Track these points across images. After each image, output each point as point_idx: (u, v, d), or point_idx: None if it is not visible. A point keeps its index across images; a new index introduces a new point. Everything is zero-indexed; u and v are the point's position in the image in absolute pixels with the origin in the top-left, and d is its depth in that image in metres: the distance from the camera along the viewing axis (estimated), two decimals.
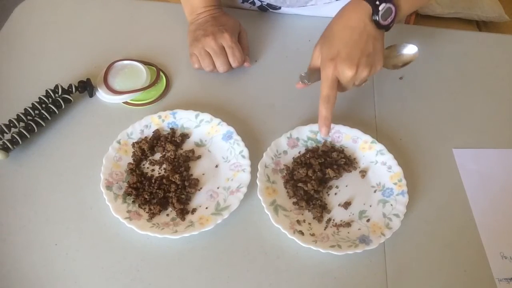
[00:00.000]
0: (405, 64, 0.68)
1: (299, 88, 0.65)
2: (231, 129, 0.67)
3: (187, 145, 0.68)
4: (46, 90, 0.69)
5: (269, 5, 0.87)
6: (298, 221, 0.59)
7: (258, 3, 0.87)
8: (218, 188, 0.63)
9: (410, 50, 0.67)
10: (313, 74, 0.63)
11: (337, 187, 0.64)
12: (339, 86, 0.61)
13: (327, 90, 0.59)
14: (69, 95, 0.70)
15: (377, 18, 0.59)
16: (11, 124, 0.66)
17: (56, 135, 0.68)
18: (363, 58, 0.58)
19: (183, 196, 0.61)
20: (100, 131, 0.69)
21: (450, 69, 0.80)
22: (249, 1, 0.87)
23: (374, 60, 0.60)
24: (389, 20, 0.60)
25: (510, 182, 0.66)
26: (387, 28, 0.61)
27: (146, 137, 0.67)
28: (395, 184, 0.62)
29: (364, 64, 0.58)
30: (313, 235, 0.58)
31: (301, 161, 0.65)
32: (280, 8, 0.87)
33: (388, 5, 0.59)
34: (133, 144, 0.66)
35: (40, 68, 0.77)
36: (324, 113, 0.60)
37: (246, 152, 0.64)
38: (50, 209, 0.60)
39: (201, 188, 0.63)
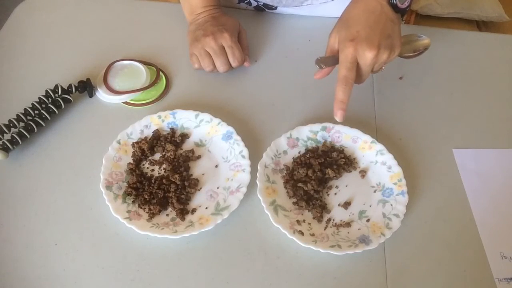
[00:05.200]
0: (418, 52, 0.67)
1: (317, 78, 0.63)
2: (231, 129, 0.67)
3: (187, 145, 0.68)
4: (46, 90, 0.69)
5: (265, 5, 0.87)
6: (298, 221, 0.59)
7: (254, 3, 0.87)
8: (218, 188, 0.63)
9: (423, 39, 0.67)
10: (329, 59, 0.61)
11: (337, 187, 0.64)
12: (356, 74, 0.59)
13: (345, 71, 0.57)
14: (69, 95, 0.70)
15: (394, 1, 0.59)
16: (11, 124, 0.66)
17: (56, 135, 0.68)
18: (383, 39, 0.57)
19: (183, 196, 0.61)
20: (100, 131, 0.69)
21: (450, 69, 0.80)
22: (245, 1, 0.87)
23: (393, 43, 0.59)
24: (406, 3, 0.60)
25: (510, 182, 0.65)
26: (403, 12, 0.61)
27: (146, 137, 0.67)
28: (395, 184, 0.62)
29: (384, 46, 0.57)
30: (313, 235, 0.58)
31: (301, 161, 0.65)
32: (276, 8, 0.87)
33: None
34: (133, 144, 0.66)
35: (40, 68, 0.77)
36: (341, 96, 0.57)
37: (246, 152, 0.64)
38: (50, 209, 0.60)
39: (201, 188, 0.63)
